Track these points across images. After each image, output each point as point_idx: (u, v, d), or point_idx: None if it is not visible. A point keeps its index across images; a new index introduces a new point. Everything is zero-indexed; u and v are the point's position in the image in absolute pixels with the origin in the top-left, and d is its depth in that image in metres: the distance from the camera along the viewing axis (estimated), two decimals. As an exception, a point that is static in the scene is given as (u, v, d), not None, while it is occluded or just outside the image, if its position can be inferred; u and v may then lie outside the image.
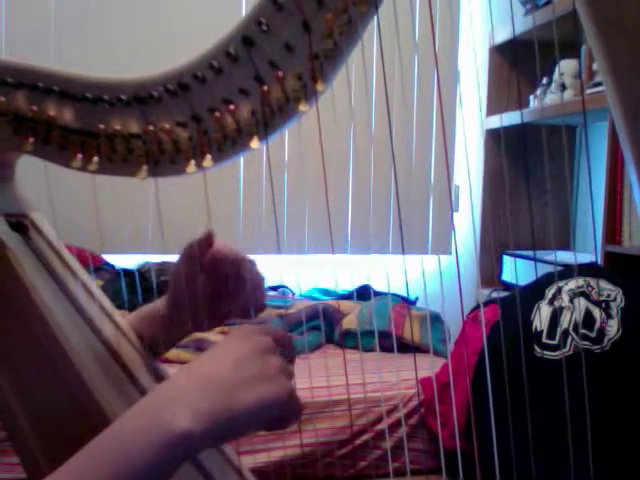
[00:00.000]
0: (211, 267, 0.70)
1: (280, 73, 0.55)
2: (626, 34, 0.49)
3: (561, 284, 1.50)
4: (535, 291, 1.55)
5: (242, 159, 2.28)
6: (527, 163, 2.42)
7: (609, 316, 1.38)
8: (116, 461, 0.45)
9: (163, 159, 0.60)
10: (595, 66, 1.86)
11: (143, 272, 2.06)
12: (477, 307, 1.74)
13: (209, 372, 0.49)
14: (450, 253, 2.64)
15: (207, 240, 0.69)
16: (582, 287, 1.46)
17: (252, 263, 0.71)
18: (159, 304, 0.75)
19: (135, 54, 2.31)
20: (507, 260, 2.38)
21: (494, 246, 2.46)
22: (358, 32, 0.54)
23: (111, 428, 0.47)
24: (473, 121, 2.66)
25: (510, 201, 2.45)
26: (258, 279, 0.72)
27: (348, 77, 0.59)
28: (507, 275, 2.38)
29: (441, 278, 0.74)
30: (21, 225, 0.69)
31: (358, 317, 2.08)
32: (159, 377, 0.72)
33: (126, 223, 2.31)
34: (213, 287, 0.71)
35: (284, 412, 0.51)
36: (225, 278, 0.71)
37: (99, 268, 2.14)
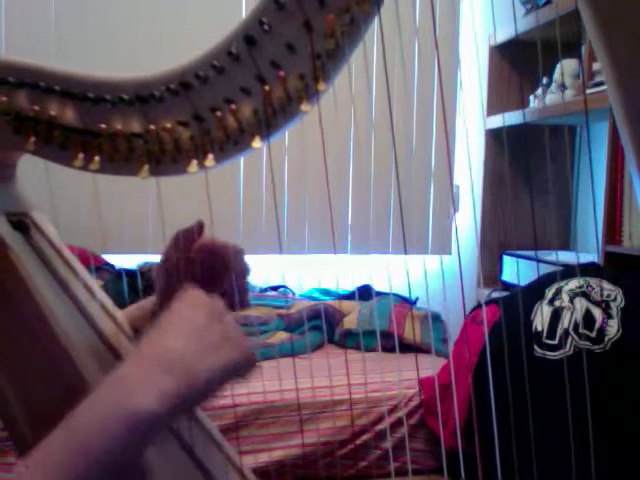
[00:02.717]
0: (199, 256, 0.70)
1: (282, 73, 0.55)
2: (628, 33, 0.49)
3: (561, 284, 1.50)
4: (535, 291, 1.55)
5: (243, 159, 2.28)
6: (527, 163, 2.42)
7: (609, 316, 1.38)
8: (81, 448, 0.45)
9: (165, 158, 0.60)
10: (595, 66, 1.86)
11: (144, 272, 2.05)
12: (477, 307, 1.74)
13: (169, 347, 0.48)
14: (451, 253, 2.64)
15: (197, 229, 0.69)
16: (582, 287, 1.46)
17: (239, 253, 0.70)
18: (148, 300, 0.75)
19: (136, 53, 2.31)
20: (507, 260, 2.38)
21: (494, 246, 2.46)
22: (360, 32, 0.54)
23: (74, 415, 0.47)
24: (474, 121, 2.66)
25: (510, 201, 2.44)
26: (244, 269, 0.71)
27: (350, 77, 0.59)
28: (507, 275, 2.37)
29: (443, 278, 0.74)
30: (22, 224, 0.69)
31: (359, 317, 2.08)
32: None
33: (127, 223, 2.31)
34: (200, 276, 0.71)
35: (243, 366, 0.51)
36: (212, 267, 0.70)
37: (100, 268, 2.14)
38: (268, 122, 0.56)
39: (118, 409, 0.46)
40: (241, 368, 0.51)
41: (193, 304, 0.52)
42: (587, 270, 1.59)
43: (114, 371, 0.49)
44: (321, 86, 0.55)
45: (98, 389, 0.48)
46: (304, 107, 0.56)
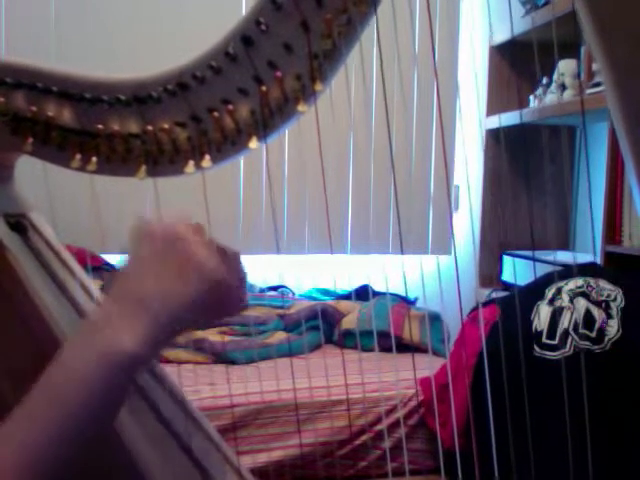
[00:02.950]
0: None
1: (279, 73, 0.55)
2: (625, 35, 0.49)
3: (561, 284, 1.50)
4: (535, 291, 1.55)
5: (243, 159, 2.28)
6: (527, 163, 2.42)
7: (609, 316, 1.38)
8: (59, 399, 0.45)
9: (162, 159, 0.60)
10: (595, 66, 1.86)
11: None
12: (477, 307, 1.74)
13: (136, 291, 0.49)
14: (450, 253, 2.64)
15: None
16: (582, 287, 1.46)
17: (236, 256, 0.70)
18: None
19: (136, 54, 2.31)
20: (507, 260, 2.38)
21: (494, 246, 2.46)
22: (357, 32, 0.54)
23: (51, 368, 0.47)
24: (473, 121, 2.66)
25: (510, 201, 2.44)
26: (241, 274, 0.71)
27: (347, 77, 0.59)
28: (507, 275, 2.37)
29: (439, 278, 0.74)
30: (20, 225, 0.69)
31: (358, 317, 2.08)
32: (158, 376, 0.72)
33: (126, 223, 2.30)
34: None
35: (224, 294, 0.51)
36: None
37: (99, 268, 2.14)
38: (265, 122, 0.57)
39: (96, 354, 0.46)
40: (217, 291, 0.50)
41: (148, 241, 0.51)
42: (587, 270, 1.59)
43: (85, 321, 0.49)
44: (318, 86, 0.55)
45: (71, 340, 0.49)
46: (301, 107, 0.56)
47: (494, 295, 2.20)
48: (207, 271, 0.50)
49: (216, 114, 0.58)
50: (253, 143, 0.57)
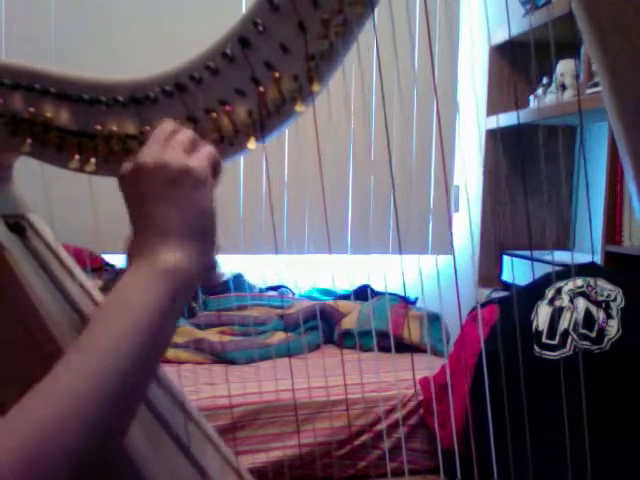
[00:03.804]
0: None
1: (276, 74, 0.55)
2: (622, 37, 0.49)
3: (561, 284, 1.50)
4: (535, 291, 1.55)
5: (242, 159, 2.28)
6: (526, 163, 2.42)
7: (609, 316, 1.38)
8: (130, 325, 0.47)
9: (160, 160, 0.60)
10: (594, 66, 1.86)
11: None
12: (476, 307, 1.74)
13: (160, 221, 0.51)
14: (449, 253, 2.63)
15: None
16: (582, 287, 1.46)
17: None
18: None
19: (136, 54, 2.31)
20: (506, 260, 2.38)
21: (494, 246, 2.46)
22: (353, 33, 0.54)
23: (110, 297, 0.49)
24: (472, 121, 2.65)
25: (510, 201, 2.44)
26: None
27: (345, 77, 0.59)
28: (507, 275, 2.37)
29: (439, 278, 0.74)
30: (19, 226, 0.69)
31: (357, 317, 2.08)
32: (157, 377, 0.72)
33: (125, 223, 2.30)
34: None
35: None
36: None
37: (99, 268, 2.14)
38: (263, 123, 0.57)
39: (156, 280, 0.48)
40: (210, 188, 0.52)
41: (137, 177, 0.52)
42: (587, 270, 1.59)
43: (129, 263, 0.51)
44: (315, 87, 0.55)
45: (121, 281, 0.50)
46: (298, 108, 0.56)
47: (494, 295, 2.20)
48: (199, 176, 0.52)
49: (214, 115, 0.58)
50: (251, 144, 0.57)
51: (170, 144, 0.52)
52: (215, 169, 0.54)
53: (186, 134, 0.54)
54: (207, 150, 0.54)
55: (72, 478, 0.42)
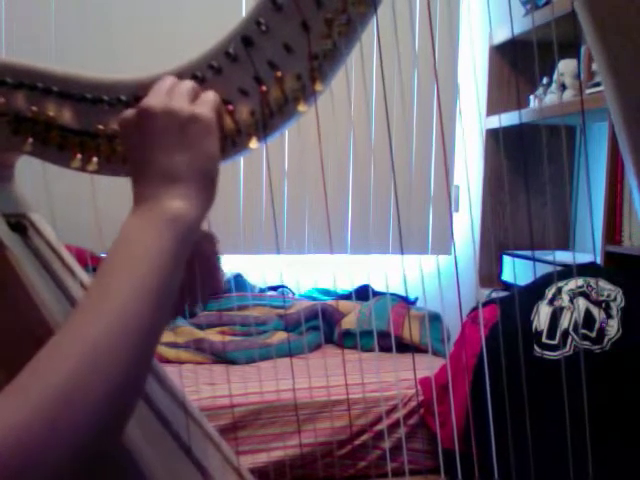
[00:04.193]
0: None
1: (279, 73, 0.55)
2: (624, 36, 0.49)
3: (561, 284, 1.50)
4: (535, 291, 1.55)
5: (243, 159, 2.28)
6: (527, 163, 2.42)
7: (609, 316, 1.38)
8: (136, 259, 0.47)
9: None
10: (595, 66, 1.86)
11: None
12: (477, 307, 1.74)
13: (163, 166, 0.51)
14: (450, 253, 2.64)
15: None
16: (582, 287, 1.46)
17: (211, 239, 0.65)
18: None
19: (136, 54, 2.31)
20: (507, 260, 2.38)
21: (494, 246, 2.46)
22: (357, 32, 0.54)
23: (117, 248, 0.49)
24: (473, 121, 2.66)
25: (510, 201, 2.45)
26: (214, 257, 0.66)
27: (347, 77, 0.59)
28: (507, 275, 2.37)
29: (439, 278, 0.74)
30: (20, 225, 0.69)
31: (357, 317, 2.08)
32: (158, 377, 0.72)
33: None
34: None
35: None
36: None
37: (99, 268, 2.14)
38: (265, 123, 0.56)
39: (161, 226, 0.48)
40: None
41: (138, 122, 0.52)
42: (587, 270, 1.59)
43: (133, 210, 0.51)
44: (318, 86, 0.55)
45: (125, 225, 0.50)
46: (301, 107, 0.56)
47: (494, 295, 2.20)
48: (208, 122, 0.52)
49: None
50: (253, 143, 0.57)
51: (175, 93, 0.53)
52: (219, 115, 0.55)
53: (188, 84, 0.54)
54: (211, 97, 0.54)
55: (77, 459, 0.41)
